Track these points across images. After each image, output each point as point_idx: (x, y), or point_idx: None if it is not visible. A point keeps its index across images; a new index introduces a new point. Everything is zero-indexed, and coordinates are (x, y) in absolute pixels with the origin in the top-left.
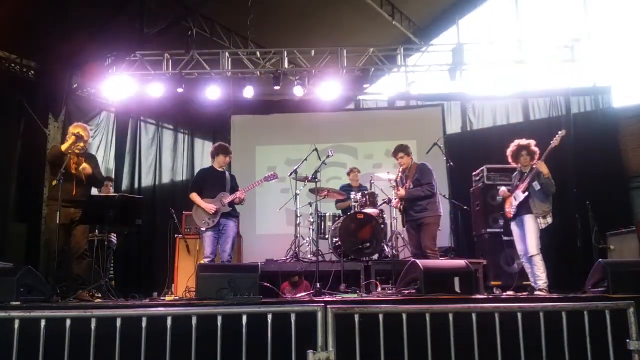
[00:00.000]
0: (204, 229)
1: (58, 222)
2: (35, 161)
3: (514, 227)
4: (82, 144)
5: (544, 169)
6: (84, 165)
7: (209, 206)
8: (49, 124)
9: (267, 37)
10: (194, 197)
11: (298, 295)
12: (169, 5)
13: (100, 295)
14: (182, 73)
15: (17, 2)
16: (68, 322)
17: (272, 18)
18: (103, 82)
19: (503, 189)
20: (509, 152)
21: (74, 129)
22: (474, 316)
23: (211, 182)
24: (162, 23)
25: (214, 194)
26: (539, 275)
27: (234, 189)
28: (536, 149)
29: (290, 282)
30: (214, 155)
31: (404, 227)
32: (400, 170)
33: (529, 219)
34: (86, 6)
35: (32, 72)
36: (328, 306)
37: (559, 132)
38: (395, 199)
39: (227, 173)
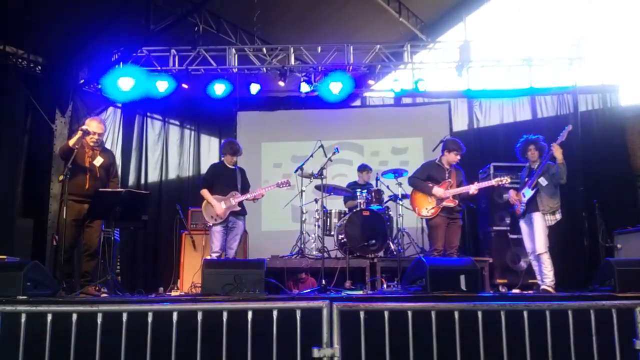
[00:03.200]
0: (211, 224)
1: (64, 217)
2: (42, 156)
3: (522, 224)
4: (96, 137)
5: (558, 153)
6: (98, 157)
7: (220, 210)
8: (56, 119)
9: (273, 33)
10: (205, 193)
11: (303, 292)
12: (175, 1)
13: (106, 290)
14: (188, 69)
15: None
16: (74, 316)
17: (278, 14)
18: (109, 77)
19: (512, 192)
20: (518, 147)
21: (89, 122)
22: (479, 314)
23: (222, 178)
24: (168, 19)
25: (225, 192)
26: (546, 274)
27: (244, 185)
28: (544, 144)
29: (296, 278)
30: (223, 152)
31: (422, 216)
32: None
33: (537, 217)
34: (93, 1)
35: (39, 67)
36: (333, 303)
37: (565, 127)
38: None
39: (237, 169)
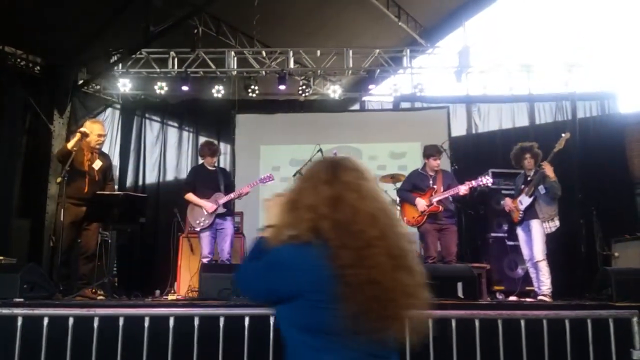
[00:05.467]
0: (198, 229)
1: (62, 219)
2: (40, 157)
3: (519, 231)
4: (102, 139)
5: (550, 171)
6: (97, 161)
7: (209, 204)
8: (54, 120)
9: (273, 37)
10: (190, 196)
11: None
12: (175, 3)
13: (102, 293)
14: (188, 71)
15: None
16: (71, 320)
17: (278, 18)
18: (108, 79)
19: (507, 200)
20: (512, 154)
21: (91, 125)
22: (476, 322)
23: (204, 181)
24: (168, 21)
25: (208, 194)
26: (544, 281)
27: (228, 186)
28: (539, 151)
29: None
30: (202, 154)
31: (414, 227)
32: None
33: (535, 224)
34: (93, 2)
35: (38, 67)
36: None
37: (563, 135)
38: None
39: (219, 169)
